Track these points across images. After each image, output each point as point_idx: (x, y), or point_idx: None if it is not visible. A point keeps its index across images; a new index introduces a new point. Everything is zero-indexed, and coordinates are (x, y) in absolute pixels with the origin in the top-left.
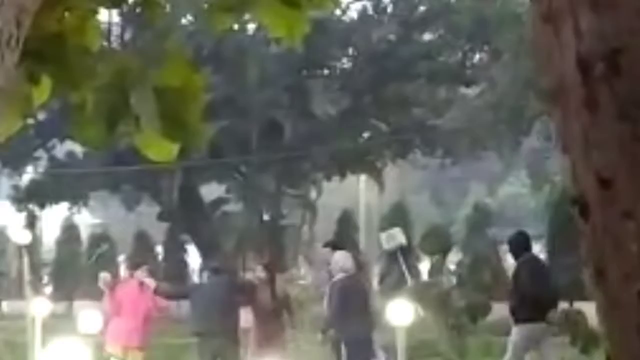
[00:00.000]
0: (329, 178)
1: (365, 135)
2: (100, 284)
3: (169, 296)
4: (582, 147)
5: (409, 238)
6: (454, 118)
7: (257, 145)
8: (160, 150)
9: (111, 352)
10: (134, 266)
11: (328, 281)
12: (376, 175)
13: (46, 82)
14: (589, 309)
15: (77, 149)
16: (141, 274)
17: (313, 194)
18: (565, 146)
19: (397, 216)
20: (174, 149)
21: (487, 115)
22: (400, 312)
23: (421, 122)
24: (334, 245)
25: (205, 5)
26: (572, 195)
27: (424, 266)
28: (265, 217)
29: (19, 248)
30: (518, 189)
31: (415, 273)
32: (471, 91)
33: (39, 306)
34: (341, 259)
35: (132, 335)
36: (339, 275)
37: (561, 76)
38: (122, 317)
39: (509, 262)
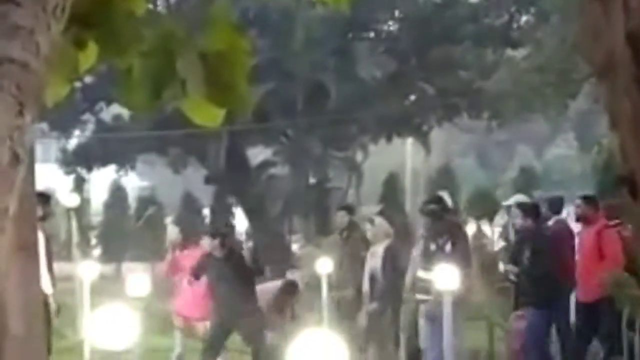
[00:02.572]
0: (375, 141)
1: (412, 98)
2: (168, 243)
3: None
4: (632, 123)
5: (455, 201)
6: (501, 80)
7: (303, 108)
8: (207, 114)
9: (176, 322)
10: (195, 234)
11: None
12: (422, 138)
13: (92, 47)
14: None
15: (124, 112)
16: (211, 242)
17: (359, 157)
18: (613, 122)
19: (443, 179)
20: (220, 113)
21: (534, 77)
22: (446, 277)
23: (467, 85)
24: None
25: None
26: (621, 173)
27: (470, 229)
28: (312, 180)
29: (67, 211)
30: (565, 152)
31: None
32: (517, 53)
33: (88, 269)
34: (384, 224)
35: (197, 306)
36: (386, 242)
37: (610, 53)
38: (186, 287)
39: None
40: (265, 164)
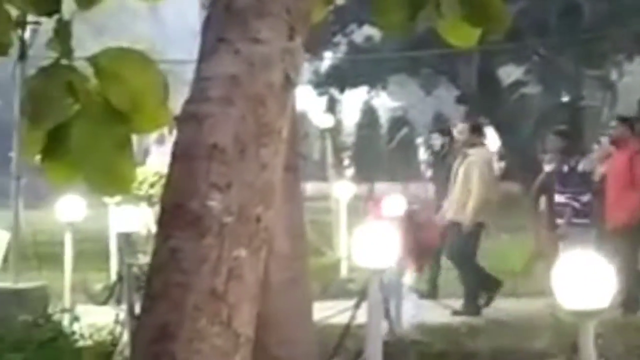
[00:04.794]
0: (630, 59)
1: None
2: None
3: None
4: None
5: None
6: None
7: (555, 26)
8: (461, 34)
9: None
10: None
11: None
12: None
13: None
14: None
15: (376, 33)
16: None
17: (614, 75)
18: None
19: None
20: (474, 33)
21: None
22: None
23: None
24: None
25: None
26: None
27: None
28: (564, 99)
29: (322, 131)
30: None
31: None
32: None
33: (342, 188)
34: None
35: None
36: None
37: None
38: None
39: None
40: (517, 83)
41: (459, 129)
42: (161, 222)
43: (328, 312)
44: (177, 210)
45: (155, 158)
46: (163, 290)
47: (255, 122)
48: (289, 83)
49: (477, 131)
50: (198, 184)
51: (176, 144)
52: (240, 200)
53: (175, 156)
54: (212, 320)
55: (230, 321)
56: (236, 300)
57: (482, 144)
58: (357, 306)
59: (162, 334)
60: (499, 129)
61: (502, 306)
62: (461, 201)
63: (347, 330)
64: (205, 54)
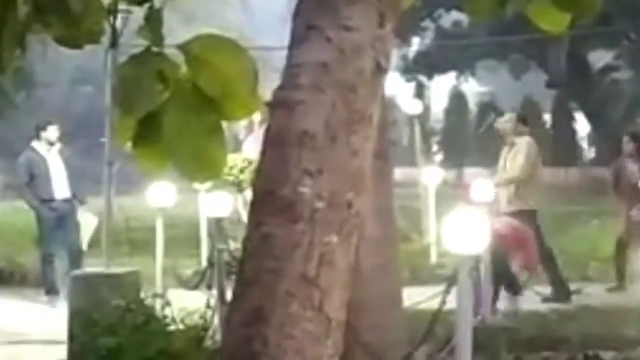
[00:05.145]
0: None
1: None
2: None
3: None
4: None
5: None
6: None
7: None
8: (552, 19)
9: None
10: None
11: None
12: None
13: None
14: None
15: (464, 18)
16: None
17: None
18: None
19: None
20: (565, 18)
21: None
22: None
23: None
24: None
25: None
26: None
27: None
28: None
29: (410, 118)
30: None
31: None
32: None
33: (431, 174)
34: None
35: None
36: None
37: None
38: None
39: None
40: (608, 68)
41: (506, 119)
42: (253, 209)
43: (418, 298)
44: (269, 197)
45: (250, 145)
46: (256, 276)
47: (346, 109)
48: (380, 70)
49: (523, 121)
50: (290, 171)
51: (268, 130)
52: (332, 187)
53: (267, 143)
54: (304, 306)
55: (322, 306)
56: (328, 285)
57: (528, 133)
58: (446, 292)
59: (255, 319)
60: (590, 114)
61: (592, 293)
62: (511, 190)
63: (436, 316)
64: (296, 42)
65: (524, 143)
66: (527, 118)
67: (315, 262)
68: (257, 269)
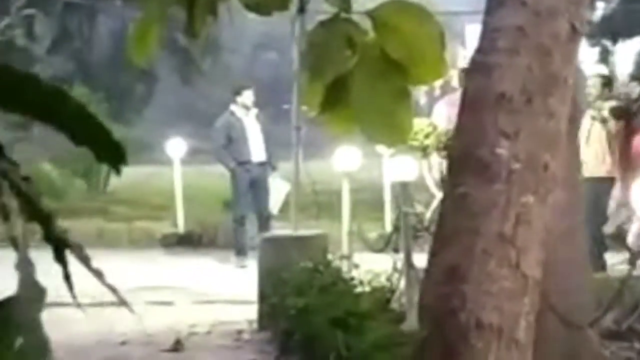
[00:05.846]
0: None
1: None
2: None
3: None
4: None
5: None
6: None
7: None
8: None
9: None
10: None
11: None
12: None
13: None
14: None
15: None
16: None
17: None
18: None
19: None
20: None
21: None
22: None
23: None
24: None
25: None
26: None
27: None
28: None
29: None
30: None
31: None
32: None
33: None
34: None
35: None
36: None
37: None
38: None
39: None
40: None
41: (592, 83)
42: (450, 169)
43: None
44: (466, 158)
45: (442, 108)
46: (453, 235)
47: (542, 72)
48: (575, 33)
49: (608, 85)
50: (487, 132)
51: (464, 93)
52: (528, 148)
53: (464, 106)
54: (501, 263)
55: (518, 264)
56: (524, 244)
57: (612, 98)
58: (632, 261)
59: (453, 276)
60: None
61: None
62: (599, 156)
63: (624, 282)
64: (493, 7)
65: (607, 109)
66: (612, 81)
67: (511, 221)
68: (454, 228)
